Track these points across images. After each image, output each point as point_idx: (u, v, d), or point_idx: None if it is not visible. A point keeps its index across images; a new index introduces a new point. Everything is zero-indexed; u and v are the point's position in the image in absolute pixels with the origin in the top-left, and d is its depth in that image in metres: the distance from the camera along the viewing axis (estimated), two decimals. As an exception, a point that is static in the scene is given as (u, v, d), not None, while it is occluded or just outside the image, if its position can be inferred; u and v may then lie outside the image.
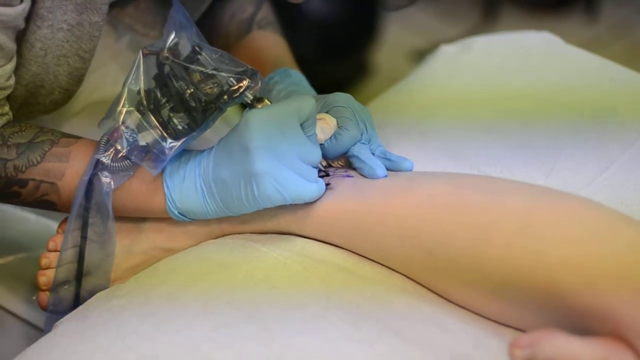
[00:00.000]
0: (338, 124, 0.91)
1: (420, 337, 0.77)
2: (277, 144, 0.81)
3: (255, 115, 0.82)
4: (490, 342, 0.77)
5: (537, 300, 0.74)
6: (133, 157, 0.84)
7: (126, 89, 0.83)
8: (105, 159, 0.85)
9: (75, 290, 0.90)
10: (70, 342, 0.80)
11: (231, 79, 0.83)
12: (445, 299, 0.83)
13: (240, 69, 0.84)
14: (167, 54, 0.82)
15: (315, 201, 0.87)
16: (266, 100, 0.86)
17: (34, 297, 0.93)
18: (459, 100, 1.14)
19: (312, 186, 0.84)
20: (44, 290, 0.92)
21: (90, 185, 0.85)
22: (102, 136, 0.85)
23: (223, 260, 0.86)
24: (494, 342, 0.76)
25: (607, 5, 2.70)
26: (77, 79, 0.97)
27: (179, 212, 0.87)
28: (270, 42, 1.16)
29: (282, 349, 0.75)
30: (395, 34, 2.59)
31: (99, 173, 0.85)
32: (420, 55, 2.22)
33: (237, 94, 0.84)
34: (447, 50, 1.29)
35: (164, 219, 0.92)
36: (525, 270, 0.74)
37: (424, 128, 1.08)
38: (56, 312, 0.90)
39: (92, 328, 0.81)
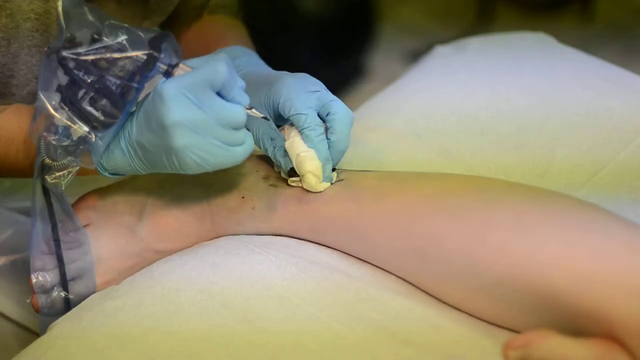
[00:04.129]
0: (299, 125, 0.88)
1: (415, 339, 0.77)
2: (194, 116, 0.78)
3: (167, 89, 0.78)
4: (484, 343, 0.77)
5: (530, 300, 0.74)
6: (71, 155, 0.83)
7: (41, 93, 0.80)
8: (48, 161, 0.83)
9: (65, 295, 0.90)
10: (65, 343, 0.80)
11: (138, 55, 0.80)
12: (440, 300, 0.83)
13: (151, 37, 0.81)
14: (65, 54, 0.79)
15: (308, 204, 0.87)
16: (182, 65, 0.81)
17: (28, 300, 0.92)
18: (453, 102, 1.14)
19: (235, 151, 0.81)
20: (37, 293, 0.92)
21: (46, 191, 0.85)
22: (37, 140, 0.82)
23: (217, 262, 0.86)
24: (487, 343, 0.76)
25: (602, 6, 2.71)
26: None
27: (109, 173, 0.85)
28: (216, 24, 1.14)
29: (276, 349, 0.75)
30: (390, 35, 2.59)
31: (47, 175, 0.84)
32: (415, 57, 2.22)
33: (149, 70, 0.80)
34: (441, 51, 1.29)
35: (158, 220, 0.92)
36: (518, 271, 0.74)
37: (418, 129, 1.08)
38: (50, 314, 0.90)
39: (87, 330, 0.81)
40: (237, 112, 0.80)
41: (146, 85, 0.81)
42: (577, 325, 0.72)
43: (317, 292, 0.82)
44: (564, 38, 1.32)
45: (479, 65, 1.23)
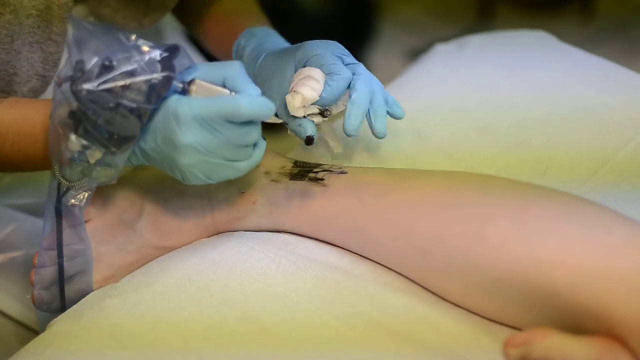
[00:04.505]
0: (324, 71, 0.90)
1: (415, 336, 0.77)
2: (206, 139, 0.78)
3: (185, 109, 0.77)
4: (484, 340, 0.77)
5: (531, 298, 0.74)
6: (89, 177, 0.82)
7: (56, 121, 0.79)
8: (65, 183, 0.83)
9: (61, 305, 0.90)
10: (64, 341, 0.80)
11: (153, 76, 0.77)
12: (440, 297, 0.83)
13: (161, 52, 0.78)
14: (79, 87, 0.76)
15: (310, 200, 0.87)
16: (197, 82, 0.80)
17: (28, 296, 0.92)
18: (453, 100, 1.14)
19: (240, 165, 0.81)
20: (37, 289, 0.92)
21: (59, 213, 0.85)
22: (53, 164, 0.82)
23: (217, 259, 0.86)
24: (488, 341, 0.76)
25: (603, 5, 2.71)
26: (53, 64, 0.96)
27: None
28: (237, 4, 1.14)
29: (275, 348, 0.75)
30: (391, 33, 2.59)
31: (64, 197, 0.84)
32: (415, 55, 2.22)
33: (165, 90, 0.78)
34: (442, 50, 1.29)
35: (158, 216, 0.92)
36: (519, 269, 0.74)
37: (419, 127, 1.08)
38: (50, 311, 0.90)
39: (86, 327, 0.81)
40: (251, 135, 0.79)
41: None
42: (577, 322, 0.72)
43: (317, 290, 0.82)
44: (564, 36, 1.32)
45: (479, 63, 1.23)
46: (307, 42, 0.93)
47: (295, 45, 0.96)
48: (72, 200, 0.85)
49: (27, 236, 1.10)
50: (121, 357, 0.76)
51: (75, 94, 0.77)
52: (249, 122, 0.79)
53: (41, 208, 0.92)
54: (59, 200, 0.84)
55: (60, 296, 0.89)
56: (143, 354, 0.76)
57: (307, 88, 0.88)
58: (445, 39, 1.34)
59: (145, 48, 0.78)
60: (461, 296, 0.81)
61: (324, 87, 0.89)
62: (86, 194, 0.85)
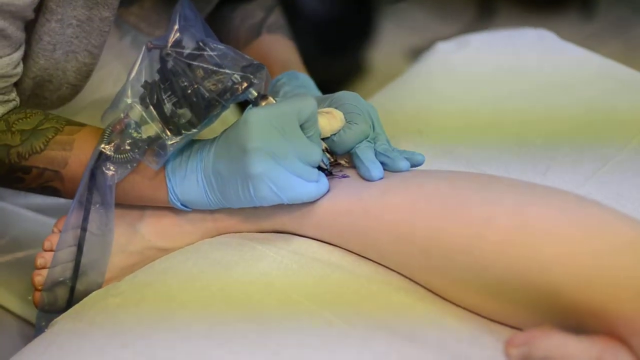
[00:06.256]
0: (346, 119, 0.90)
1: (416, 336, 0.77)
2: (276, 144, 0.80)
3: (254, 115, 0.81)
4: (486, 340, 0.77)
5: (532, 298, 0.74)
6: (135, 151, 0.83)
7: (130, 82, 0.82)
8: (108, 150, 0.84)
9: (72, 284, 0.90)
10: (66, 340, 0.80)
11: (235, 75, 0.82)
12: (442, 297, 0.82)
13: (245, 64, 0.82)
14: (169, 51, 0.80)
15: (312, 201, 0.87)
16: (270, 98, 0.84)
17: (29, 297, 0.92)
18: (454, 98, 1.14)
19: (310, 187, 0.83)
20: (39, 290, 0.92)
21: (93, 177, 0.85)
22: (106, 127, 0.84)
23: (219, 258, 0.86)
24: (490, 341, 0.76)
25: (603, 3, 2.71)
26: (85, 75, 0.97)
27: (181, 204, 0.87)
28: (278, 45, 1.15)
29: (278, 347, 0.75)
30: (391, 32, 2.59)
31: (102, 164, 0.85)
32: (416, 53, 2.22)
33: (240, 91, 0.82)
34: (443, 48, 1.29)
35: (160, 218, 0.92)
36: (520, 268, 0.74)
37: (419, 126, 1.08)
38: (51, 311, 0.90)
39: (88, 326, 0.81)
40: (315, 148, 0.83)
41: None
42: (578, 322, 0.72)
43: (319, 289, 0.82)
44: (564, 34, 1.32)
45: (480, 61, 1.23)
46: (345, 92, 0.94)
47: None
48: (110, 171, 0.85)
49: (37, 236, 1.10)
50: (123, 356, 0.76)
51: (163, 59, 0.80)
52: (312, 138, 0.83)
53: (51, 208, 0.92)
54: (95, 165, 0.85)
55: (74, 272, 0.89)
56: (145, 353, 0.76)
57: (324, 119, 0.88)
58: (446, 37, 1.34)
59: (232, 50, 0.82)
60: (462, 296, 0.81)
61: (339, 132, 0.89)
62: (129, 166, 0.85)
